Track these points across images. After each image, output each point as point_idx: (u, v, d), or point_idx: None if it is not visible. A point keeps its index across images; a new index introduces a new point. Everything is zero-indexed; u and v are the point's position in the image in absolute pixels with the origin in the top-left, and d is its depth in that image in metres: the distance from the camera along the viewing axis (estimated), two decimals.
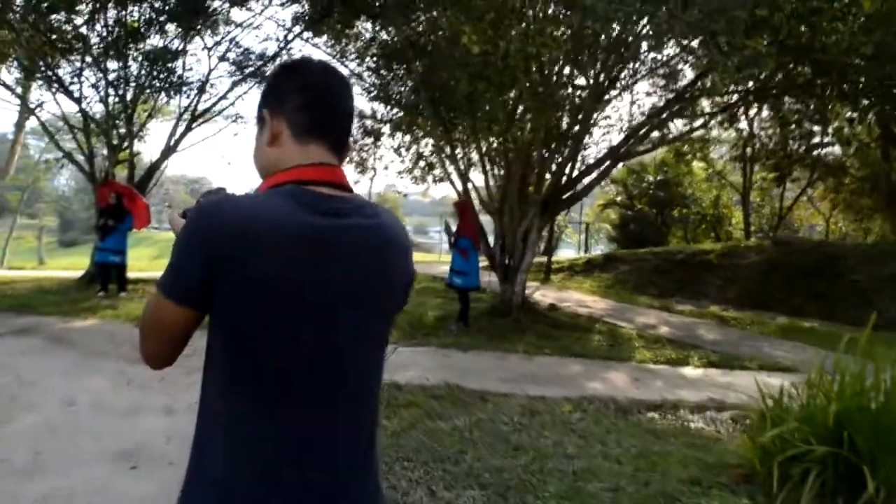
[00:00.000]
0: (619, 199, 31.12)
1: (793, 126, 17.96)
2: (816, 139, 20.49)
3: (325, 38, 14.71)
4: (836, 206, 27.70)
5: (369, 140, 16.93)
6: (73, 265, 23.30)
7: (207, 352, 1.34)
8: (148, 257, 33.96)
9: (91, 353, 7.47)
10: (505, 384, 7.20)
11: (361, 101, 27.07)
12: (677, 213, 30.41)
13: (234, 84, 14.94)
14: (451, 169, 12.00)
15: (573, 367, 8.45)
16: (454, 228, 10.29)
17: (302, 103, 1.43)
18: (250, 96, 16.78)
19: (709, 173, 28.84)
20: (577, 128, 10.97)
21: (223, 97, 15.12)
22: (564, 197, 11.27)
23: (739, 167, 27.25)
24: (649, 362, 9.04)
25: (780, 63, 8.02)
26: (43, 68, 13.06)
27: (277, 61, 15.56)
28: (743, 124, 18.76)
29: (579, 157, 11.73)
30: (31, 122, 21.70)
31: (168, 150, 14.35)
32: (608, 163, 11.62)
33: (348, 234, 1.34)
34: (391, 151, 15.96)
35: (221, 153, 60.28)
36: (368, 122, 16.10)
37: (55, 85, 13.50)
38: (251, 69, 15.05)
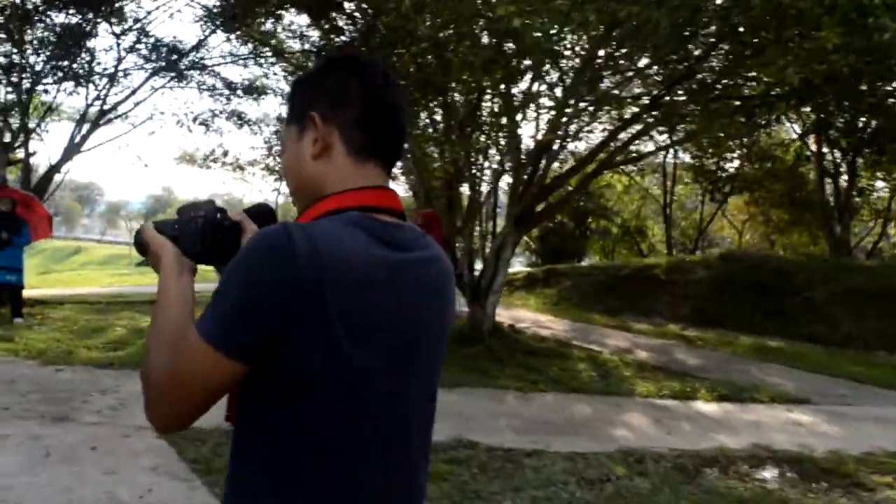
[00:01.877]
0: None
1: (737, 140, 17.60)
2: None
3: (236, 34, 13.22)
4: (748, 220, 28.10)
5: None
6: None
7: (248, 415, 1.12)
8: (34, 270, 30.53)
9: None
10: (522, 436, 5.98)
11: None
12: (595, 224, 30.06)
13: (152, 75, 13.11)
14: (409, 175, 10.66)
15: (581, 408, 7.28)
16: None
17: (364, 115, 1.21)
18: (168, 92, 15.03)
19: (627, 185, 28.52)
20: (554, 133, 9.86)
21: (135, 91, 13.23)
22: (538, 210, 10.11)
23: (658, 179, 27.15)
24: (654, 397, 8.02)
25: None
26: None
27: (191, 56, 13.89)
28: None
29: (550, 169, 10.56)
30: None
31: (71, 150, 12.36)
32: (585, 172, 10.56)
33: (417, 270, 1.20)
34: None
35: (137, 154, 52.96)
36: None
37: None
38: (164, 63, 13.25)
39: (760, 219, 27.44)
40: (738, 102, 9.71)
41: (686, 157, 21.63)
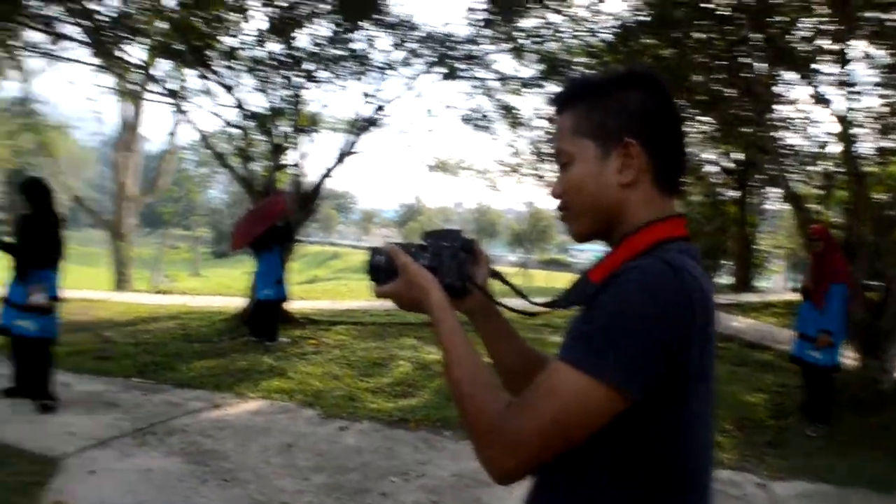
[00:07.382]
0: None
1: None
2: None
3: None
4: None
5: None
6: (227, 285, 21.41)
7: (576, 458, 1.03)
8: (297, 276, 30.23)
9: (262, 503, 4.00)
10: None
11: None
12: None
13: (429, 69, 11.62)
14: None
15: None
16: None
17: (678, 144, 1.17)
18: (440, 87, 13.53)
19: None
20: None
21: (411, 87, 11.76)
22: None
23: None
24: None
25: None
26: (187, 48, 9.95)
27: (468, 47, 12.19)
28: None
29: None
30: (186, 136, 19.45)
31: (346, 152, 11.15)
32: None
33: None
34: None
35: (423, 159, 49.78)
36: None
37: (200, 68, 10.42)
38: (436, 56, 11.64)
39: None
40: None
41: None
